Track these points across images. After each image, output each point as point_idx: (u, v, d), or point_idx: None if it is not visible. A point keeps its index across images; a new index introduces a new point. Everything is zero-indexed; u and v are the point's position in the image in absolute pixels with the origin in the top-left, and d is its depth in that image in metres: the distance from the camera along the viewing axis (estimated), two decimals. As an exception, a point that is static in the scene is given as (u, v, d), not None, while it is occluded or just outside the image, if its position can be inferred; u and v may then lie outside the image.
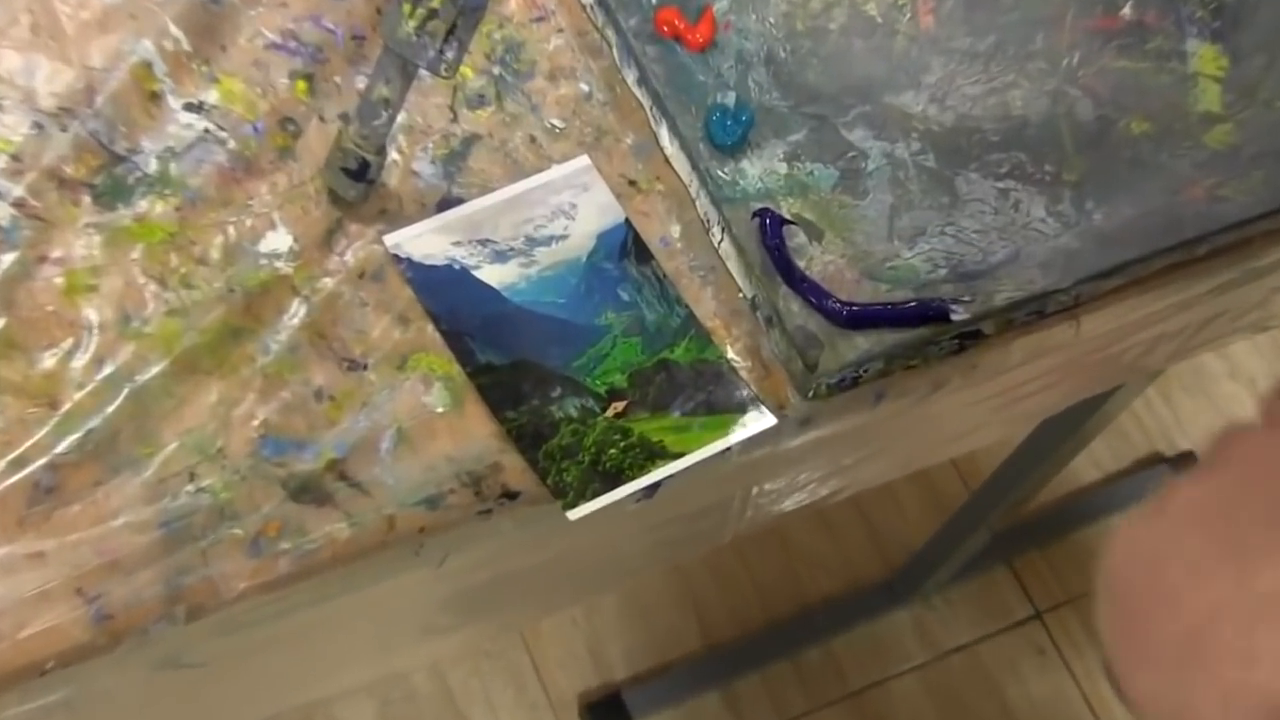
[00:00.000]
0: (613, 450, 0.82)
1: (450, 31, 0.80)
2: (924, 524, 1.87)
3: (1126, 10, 1.00)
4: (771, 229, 0.88)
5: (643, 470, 0.81)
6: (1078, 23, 0.99)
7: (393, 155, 0.88)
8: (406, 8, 0.80)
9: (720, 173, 0.90)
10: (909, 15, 0.97)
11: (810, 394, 0.86)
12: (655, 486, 0.83)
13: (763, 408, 0.84)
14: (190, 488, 0.77)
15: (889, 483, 1.07)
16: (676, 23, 0.93)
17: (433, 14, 0.80)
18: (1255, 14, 1.00)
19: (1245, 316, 1.06)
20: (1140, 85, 0.97)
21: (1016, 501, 1.68)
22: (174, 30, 0.88)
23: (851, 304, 0.86)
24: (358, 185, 0.86)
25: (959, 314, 0.87)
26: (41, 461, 0.76)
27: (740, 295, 0.89)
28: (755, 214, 0.88)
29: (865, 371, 0.87)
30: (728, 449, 0.84)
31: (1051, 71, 0.97)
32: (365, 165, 0.85)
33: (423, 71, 0.82)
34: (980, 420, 1.02)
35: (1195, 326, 1.02)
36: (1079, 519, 2.00)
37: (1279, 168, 0.96)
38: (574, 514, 0.79)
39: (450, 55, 0.81)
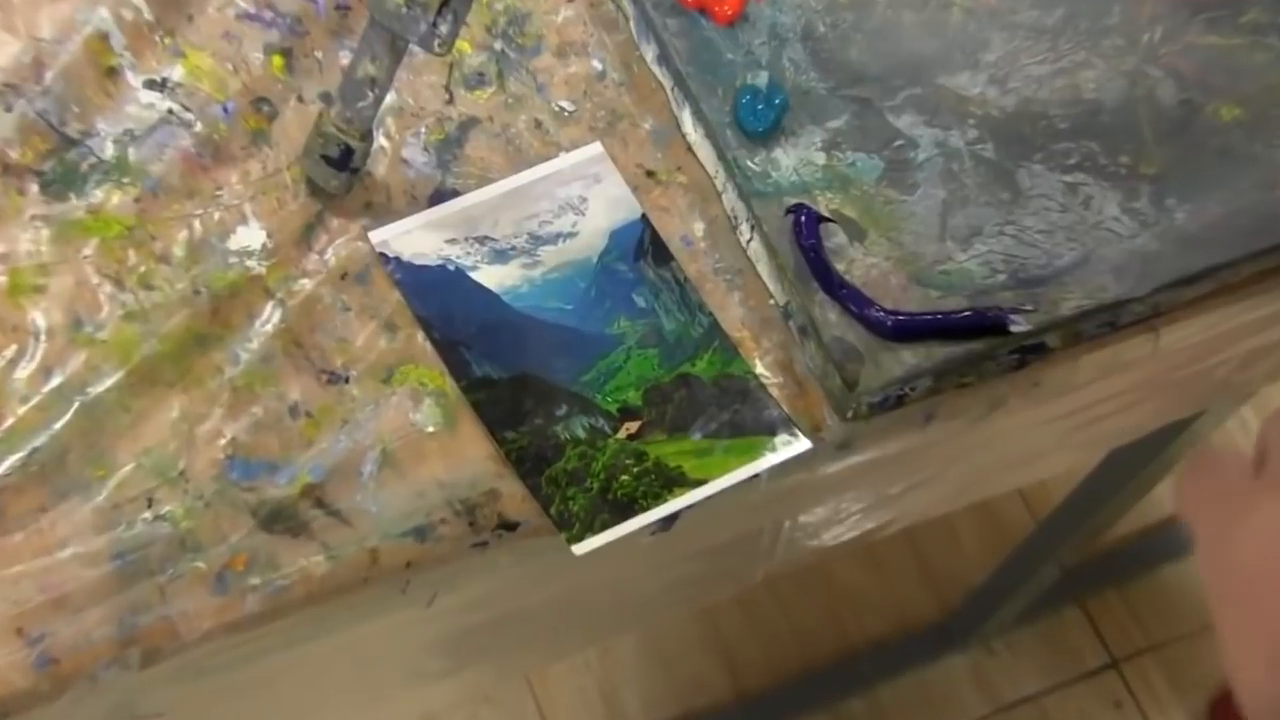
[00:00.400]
0: (625, 476, 0.82)
1: (445, 3, 0.80)
2: (984, 558, 1.86)
3: (1218, -23, 0.99)
4: (807, 227, 0.87)
5: (658, 500, 0.81)
6: (1160, -8, 0.98)
7: (380, 141, 0.89)
8: (396, -25, 0.80)
9: (750, 163, 0.90)
10: (967, -16, 0.97)
11: (850, 415, 0.86)
12: (673, 518, 0.83)
13: (795, 430, 0.84)
14: (147, 515, 0.78)
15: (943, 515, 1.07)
16: (702, -8, 0.93)
17: (425, -17, 0.80)
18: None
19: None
20: (1232, 65, 0.97)
21: (1090, 533, 1.67)
22: (135, -2, 0.88)
23: (897, 313, 0.86)
24: (340, 175, 0.86)
25: (1019, 325, 0.87)
26: (-20, 484, 0.76)
27: (771, 302, 0.88)
28: (789, 210, 0.88)
29: (912, 390, 0.86)
30: (756, 476, 0.84)
31: (1129, 49, 0.97)
32: (348, 152, 0.85)
33: (414, 47, 0.82)
34: (1045, 446, 1.02)
35: (1293, 340, 1.02)
36: (1162, 554, 1.99)
37: (1390, 160, 0.95)
38: (580, 548, 0.79)
39: (445, 29, 0.81)
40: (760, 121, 0.90)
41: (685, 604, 1.09)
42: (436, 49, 0.81)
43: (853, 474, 0.88)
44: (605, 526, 0.80)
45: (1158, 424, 1.13)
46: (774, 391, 0.86)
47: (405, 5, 0.80)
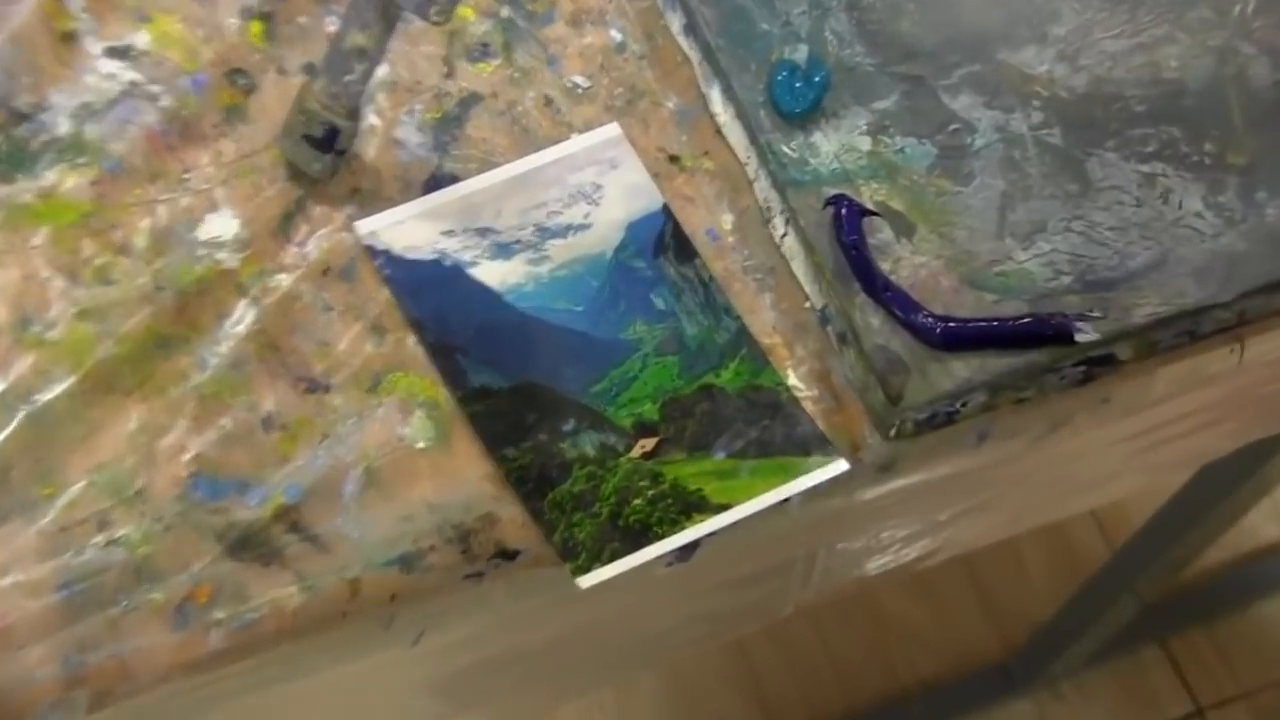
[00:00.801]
0: (638, 500, 0.81)
1: (443, -36, 0.80)
2: (1052, 590, 1.85)
3: (1328, -64, 0.99)
4: (849, 221, 0.87)
5: (675, 527, 0.81)
6: (1256, -41, 0.98)
7: (370, 119, 0.89)
8: (387, -66, 0.80)
9: (786, 148, 0.89)
10: (1034, -53, 0.96)
11: (893, 433, 0.85)
12: (692, 547, 0.83)
13: (831, 449, 0.84)
14: (100, 539, 0.78)
15: (1007, 539, 1.06)
16: (734, -46, 0.93)
17: (421, -58, 0.80)
18: None
19: None
20: (1334, 42, 0.96)
21: (1173, 564, 1.66)
22: (97, -44, 0.88)
23: (948, 319, 0.86)
24: (323, 157, 0.86)
25: (1086, 334, 0.86)
26: (-86, 501, 0.77)
27: (807, 305, 0.88)
28: (828, 201, 0.88)
29: (964, 405, 0.86)
30: (786, 501, 0.83)
31: (1218, 22, 0.96)
32: (334, 132, 0.85)
33: (409, 14, 0.82)
34: (1114, 468, 1.01)
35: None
36: (1256, 589, 1.98)
37: None
38: (586, 581, 0.79)
39: (442, -5, 0.81)
40: (798, 101, 0.90)
41: (707, 640, 1.08)
42: (433, 17, 0.81)
43: (896, 498, 0.88)
44: (615, 557, 0.80)
45: (1241, 444, 1.12)
46: (808, 406, 0.85)
47: (398, -33, 0.80)
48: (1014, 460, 0.91)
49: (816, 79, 0.90)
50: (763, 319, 0.87)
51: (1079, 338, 0.86)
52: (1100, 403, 0.90)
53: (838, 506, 0.86)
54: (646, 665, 1.34)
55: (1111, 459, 0.99)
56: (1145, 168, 0.92)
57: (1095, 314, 0.87)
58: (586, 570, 0.79)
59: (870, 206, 0.88)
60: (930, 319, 0.85)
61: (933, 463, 0.88)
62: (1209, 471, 1.45)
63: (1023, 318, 0.87)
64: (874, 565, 0.99)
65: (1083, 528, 1.94)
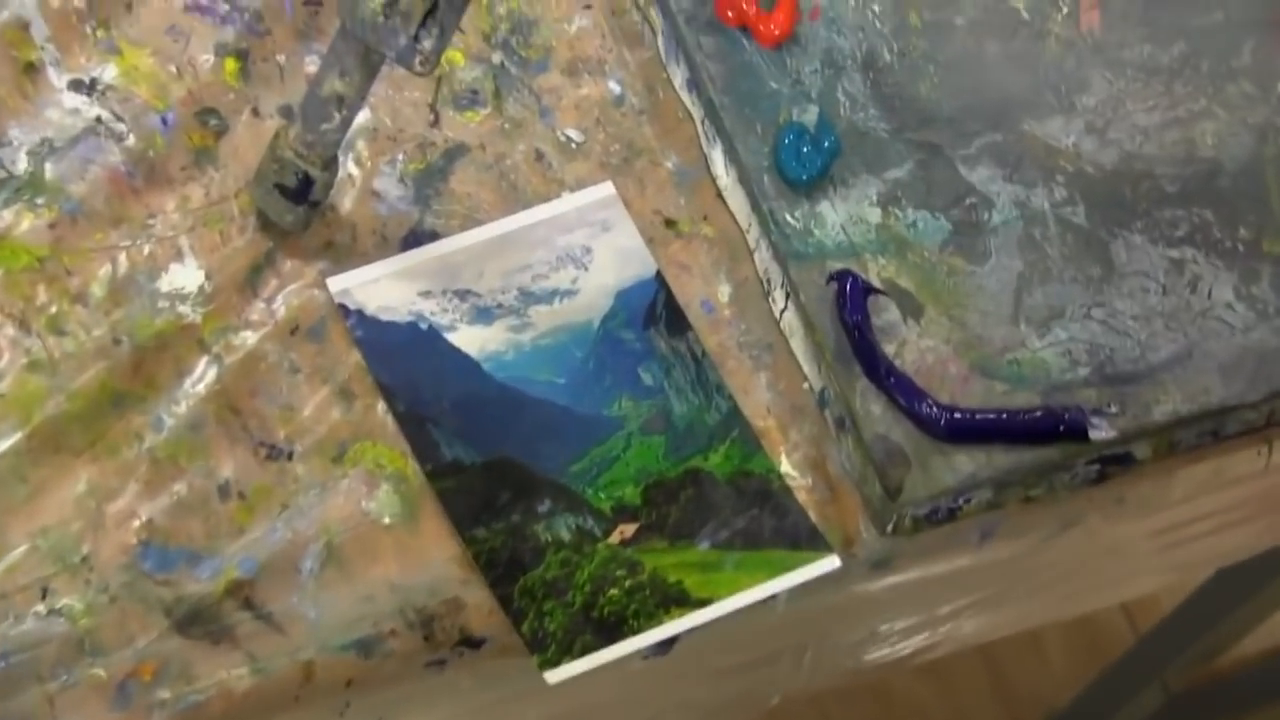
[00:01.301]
0: (614, 591, 0.84)
1: (430, 12, 0.83)
2: (1070, 674, 1.88)
3: (1381, 14, 1.02)
4: (852, 299, 0.90)
5: (652, 620, 0.84)
6: (1304, 32, 1.01)
7: (348, 168, 0.92)
8: (373, -23, 0.83)
9: (789, 217, 0.92)
10: (1066, 11, 1.00)
11: (890, 528, 0.88)
12: (670, 641, 0.86)
13: (823, 545, 0.87)
14: (40, 608, 0.81)
15: None
16: (745, 7, 0.96)
17: (407, -12, 0.83)
18: None
19: None
20: (1384, 124, 0.99)
21: (1202, 655, 1.68)
22: (65, -19, 0.91)
23: (953, 409, 0.89)
24: (296, 209, 0.89)
25: (1101, 431, 0.89)
26: None
27: (805, 386, 0.91)
28: (832, 277, 0.91)
29: (968, 502, 0.89)
30: (773, 597, 0.86)
31: (1260, 97, 1.00)
32: (308, 182, 0.88)
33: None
34: (1130, 567, 1.04)
35: None
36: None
37: None
38: (554, 676, 0.82)
39: (429, 45, 0.84)
40: (805, 168, 0.93)
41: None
42: (418, 68, 0.84)
43: (892, 593, 0.91)
44: (586, 650, 0.83)
45: (1268, 545, 1.15)
46: (801, 495, 0.88)
47: (383, 14, 0.83)
48: (1020, 560, 0.93)
49: (826, 144, 0.93)
50: (757, 399, 0.90)
51: (1094, 435, 0.89)
52: (1115, 503, 0.93)
53: (829, 602, 0.89)
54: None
55: (1128, 558, 1.02)
56: (1174, 253, 0.95)
57: (1113, 410, 0.90)
58: (555, 664, 0.82)
59: (876, 284, 0.91)
60: (935, 409, 0.88)
61: (932, 560, 0.91)
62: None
63: (1034, 411, 0.89)
64: (869, 658, 1.02)
65: (1106, 610, 1.96)
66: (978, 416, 0.89)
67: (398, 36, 0.84)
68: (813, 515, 0.88)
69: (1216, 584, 1.56)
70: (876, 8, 0.99)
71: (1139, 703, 1.77)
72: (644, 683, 0.91)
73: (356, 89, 0.87)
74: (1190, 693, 1.81)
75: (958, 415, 0.89)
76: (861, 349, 0.90)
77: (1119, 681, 1.78)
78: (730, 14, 0.97)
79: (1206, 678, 1.86)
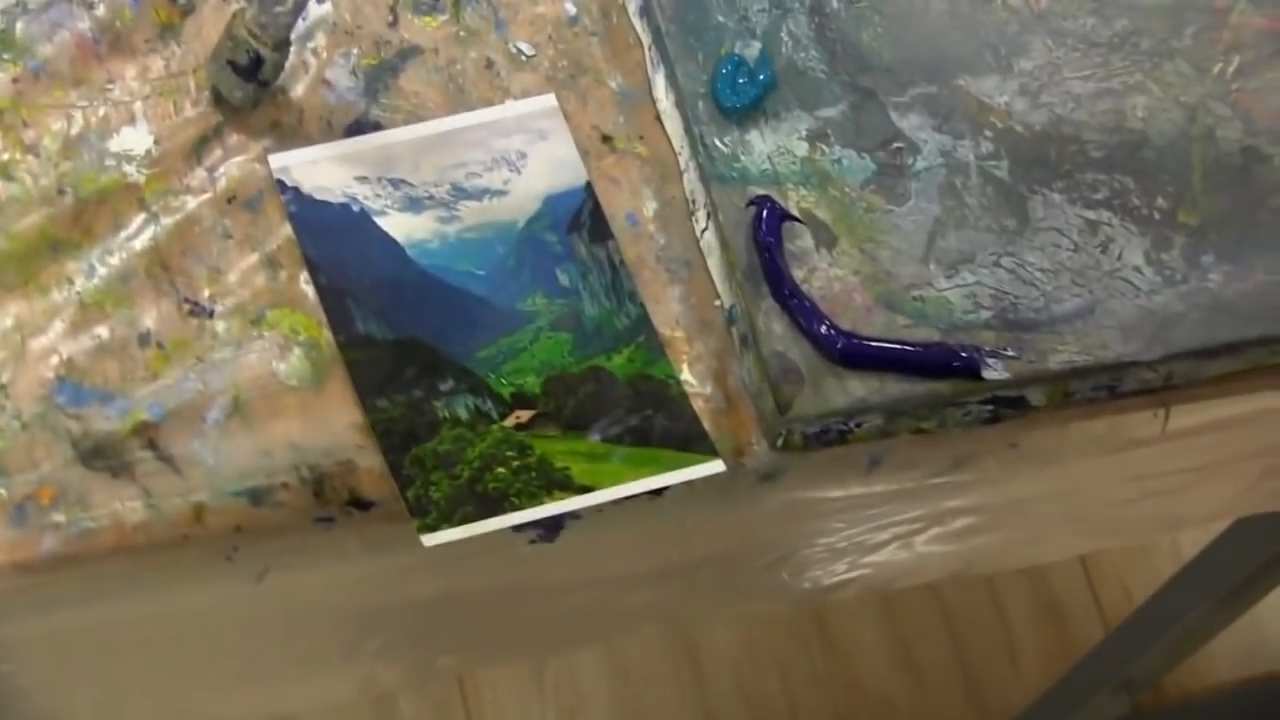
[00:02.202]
0: (501, 469, 0.86)
1: (381, -96, 0.85)
2: (1042, 676, 1.88)
3: (1321, 11, 1.03)
4: (768, 223, 0.91)
5: (533, 500, 0.85)
6: (1249, 18, 1.02)
7: (303, 56, 0.94)
8: None
9: (719, 142, 0.94)
10: (1016, -22, 1.01)
11: (780, 443, 0.89)
12: (557, 527, 0.87)
13: (712, 448, 0.88)
14: (-48, 425, 0.83)
15: (1000, 621, 1.09)
16: (701, -57, 0.97)
17: (362, -122, 0.85)
18: None
19: None
20: (1316, 114, 1.00)
21: (1170, 654, 1.66)
22: None
23: (851, 335, 0.90)
24: (246, 86, 0.91)
25: (995, 370, 0.90)
26: None
27: (716, 304, 0.92)
28: (752, 201, 0.92)
29: (858, 426, 0.90)
30: (658, 495, 0.87)
31: (1196, 78, 1.00)
32: (258, 61, 0.91)
33: None
34: (1035, 527, 1.05)
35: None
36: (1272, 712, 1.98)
37: None
38: (431, 539, 0.84)
39: (377, -65, 0.86)
40: (739, 96, 0.94)
41: (578, 640, 1.12)
42: (366, -44, 0.86)
43: (780, 512, 0.92)
44: (466, 520, 0.84)
45: (1226, 514, 1.15)
46: (698, 404, 0.90)
47: (338, -98, 0.85)
48: (911, 495, 0.94)
49: (762, 77, 0.95)
50: (668, 310, 0.92)
51: (986, 374, 0.90)
52: (1008, 447, 0.93)
53: (722, 519, 0.90)
54: (516, 653, 1.34)
55: (1032, 515, 1.02)
56: (1090, 214, 0.95)
57: (1009, 353, 0.91)
58: (433, 530, 0.84)
59: (794, 212, 0.92)
60: (833, 332, 0.89)
61: (821, 481, 0.91)
62: (1239, 532, 1.46)
63: (931, 345, 0.90)
64: (774, 585, 1.02)
65: (1083, 615, 1.96)
66: (873, 344, 0.90)
67: (350, -75, 0.86)
68: (707, 423, 0.89)
69: (1194, 571, 1.55)
70: (832, -43, 1.00)
71: (1098, 706, 1.75)
72: (532, 576, 0.92)
73: (310, -27, 0.89)
74: (1159, 713, 1.81)
75: (854, 340, 0.90)
76: (770, 270, 0.91)
77: (1081, 682, 1.76)
78: (688, -51, 0.98)
79: (1179, 697, 1.85)
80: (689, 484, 0.88)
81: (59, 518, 0.82)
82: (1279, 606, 1.60)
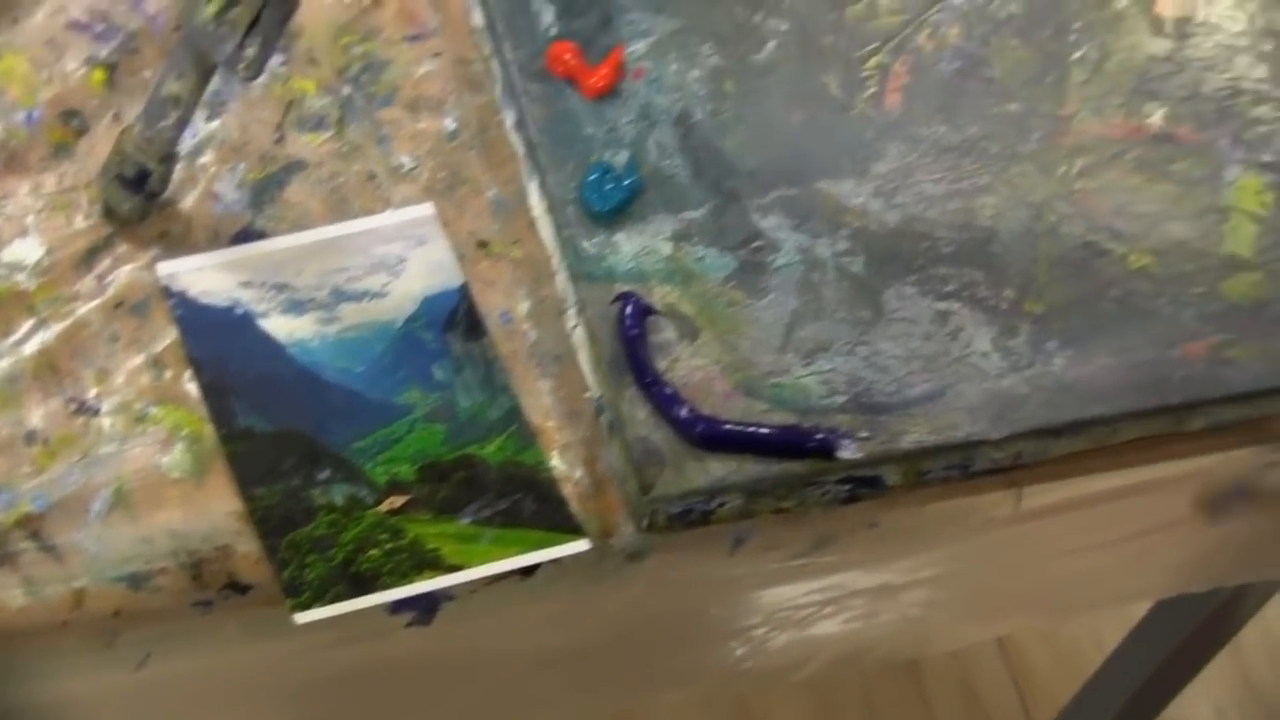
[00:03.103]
0: (374, 551, 0.87)
1: (254, 22, 0.88)
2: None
3: (1156, 118, 1.05)
4: (632, 317, 0.93)
5: (404, 579, 0.86)
6: (1090, 125, 1.04)
7: (194, 171, 0.96)
8: (208, -13, 0.88)
9: (586, 244, 0.96)
10: (872, 90, 1.03)
11: (645, 523, 0.90)
12: (432, 610, 0.88)
13: (578, 529, 0.89)
14: None
15: (921, 701, 1.09)
16: (570, 60, 1.00)
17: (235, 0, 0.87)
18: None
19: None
20: (1153, 211, 1.02)
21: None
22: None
23: (711, 419, 0.91)
24: (134, 198, 0.93)
25: (848, 450, 0.91)
26: None
27: (587, 395, 0.94)
28: (617, 297, 0.94)
29: (720, 505, 0.91)
30: (530, 574, 0.88)
31: (1041, 179, 1.02)
32: (145, 174, 0.92)
33: (257, 80, 0.90)
34: (910, 613, 1.05)
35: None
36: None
37: (1315, 335, 0.99)
38: (302, 617, 0.84)
39: (251, 52, 0.88)
40: (605, 201, 0.96)
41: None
42: (242, 72, 0.89)
43: (646, 594, 0.92)
44: (337, 599, 0.85)
45: (1138, 597, 1.15)
46: (568, 488, 0.91)
47: (214, 22, 0.88)
48: (776, 574, 0.94)
49: (627, 182, 0.97)
50: (540, 402, 0.93)
51: (841, 453, 0.91)
52: (868, 527, 0.94)
53: (585, 593, 0.90)
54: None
55: (902, 598, 1.03)
56: (941, 305, 0.97)
57: (863, 434, 0.92)
58: (306, 608, 0.84)
59: (658, 307, 0.93)
60: (692, 416, 0.90)
61: (687, 562, 0.92)
62: (1138, 641, 1.46)
63: (787, 427, 0.91)
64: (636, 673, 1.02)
65: (1003, 698, 1.95)
66: (731, 426, 0.91)
67: (226, 43, 0.88)
68: (576, 506, 0.90)
69: (1119, 661, 1.55)
70: (696, 73, 1.02)
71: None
72: (409, 657, 0.92)
73: (191, 90, 0.91)
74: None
75: (712, 424, 0.91)
76: (634, 360, 0.92)
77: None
78: (559, 67, 1.01)
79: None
80: (561, 567, 0.89)
81: (-60, 602, 0.82)
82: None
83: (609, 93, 1.01)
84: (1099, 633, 1.86)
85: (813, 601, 1.03)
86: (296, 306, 0.93)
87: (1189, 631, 1.45)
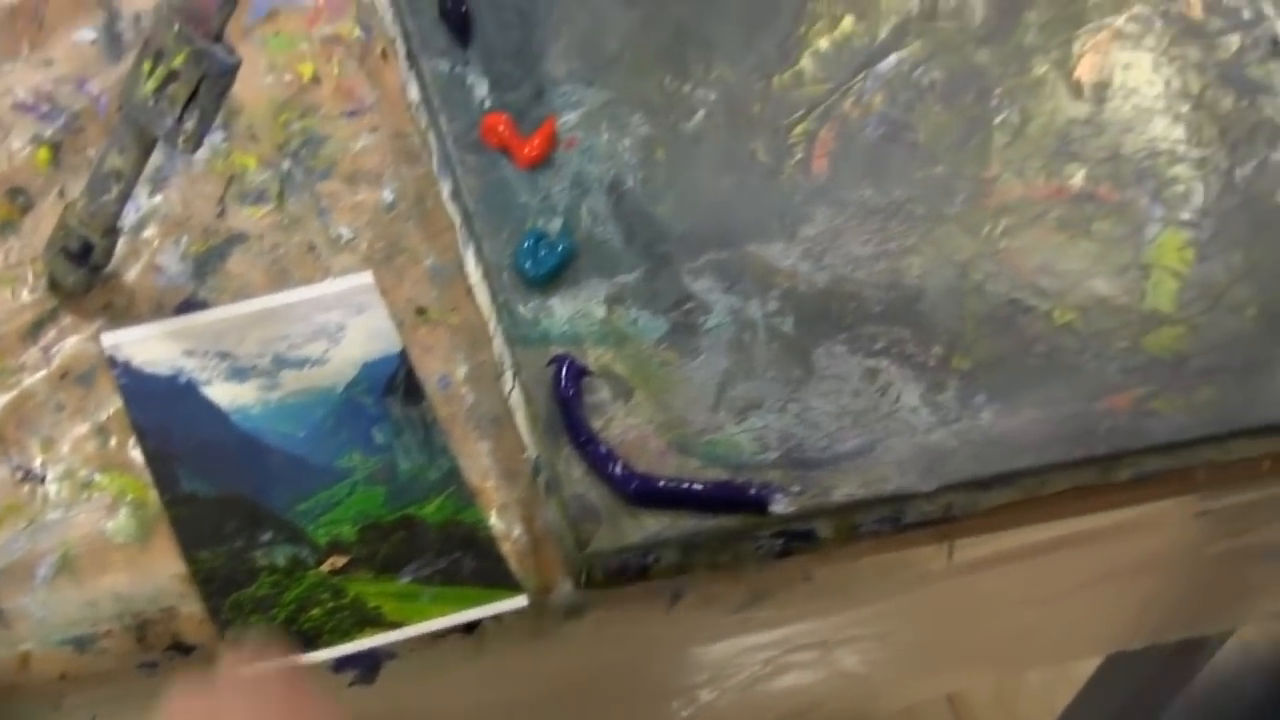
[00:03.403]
0: (316, 610, 0.88)
1: (192, 98, 0.89)
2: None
3: (1078, 179, 1.07)
4: (567, 378, 0.94)
5: (346, 637, 0.87)
6: (1013, 186, 1.06)
7: (137, 244, 0.97)
8: (147, 65, 0.90)
9: (521, 308, 0.97)
10: (799, 156, 1.05)
11: (583, 578, 0.91)
12: (374, 668, 0.89)
13: (516, 585, 0.90)
14: None
15: None
16: (504, 131, 1.02)
17: (173, 76, 0.89)
18: (1234, 206, 1.07)
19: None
20: (1076, 269, 1.04)
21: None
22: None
23: (645, 476, 0.92)
24: (78, 270, 0.94)
25: (780, 504, 0.92)
26: None
27: (524, 455, 0.95)
28: (552, 360, 0.95)
29: (656, 561, 0.92)
30: (471, 630, 0.89)
31: (967, 239, 1.05)
32: (88, 248, 0.94)
33: (199, 154, 0.91)
34: (841, 667, 1.06)
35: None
36: None
37: (1235, 387, 1.01)
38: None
39: (190, 126, 0.90)
40: (539, 267, 0.98)
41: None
42: (181, 145, 0.90)
43: (585, 647, 0.93)
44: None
45: (1067, 657, 1.16)
46: (506, 547, 0.92)
47: (153, 98, 0.90)
48: (714, 628, 0.96)
49: (561, 248, 0.98)
50: (479, 463, 0.94)
51: (773, 508, 0.92)
52: (802, 580, 0.95)
53: (525, 649, 0.92)
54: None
55: (843, 650, 1.04)
56: (871, 362, 0.99)
57: (795, 489, 0.93)
58: (248, 666, 0.85)
59: (593, 368, 0.95)
60: (626, 473, 0.92)
61: (625, 618, 0.93)
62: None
63: (720, 483, 0.93)
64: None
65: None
66: (664, 483, 0.92)
67: (165, 118, 0.90)
68: (515, 564, 0.91)
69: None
70: (627, 142, 1.04)
71: None
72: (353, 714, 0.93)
73: (132, 164, 0.93)
74: None
75: (646, 480, 0.92)
76: (569, 420, 0.94)
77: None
78: (492, 138, 1.03)
79: None
80: (502, 624, 0.90)
81: (-111, 669, 0.83)
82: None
83: (542, 162, 1.02)
84: (1052, 692, 1.86)
85: (755, 660, 1.04)
86: (239, 374, 0.95)
87: (1138, 685, 1.46)
